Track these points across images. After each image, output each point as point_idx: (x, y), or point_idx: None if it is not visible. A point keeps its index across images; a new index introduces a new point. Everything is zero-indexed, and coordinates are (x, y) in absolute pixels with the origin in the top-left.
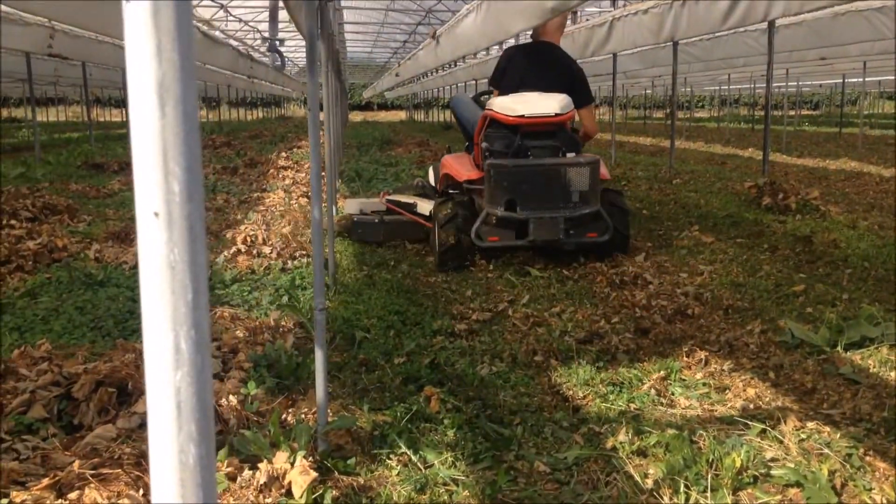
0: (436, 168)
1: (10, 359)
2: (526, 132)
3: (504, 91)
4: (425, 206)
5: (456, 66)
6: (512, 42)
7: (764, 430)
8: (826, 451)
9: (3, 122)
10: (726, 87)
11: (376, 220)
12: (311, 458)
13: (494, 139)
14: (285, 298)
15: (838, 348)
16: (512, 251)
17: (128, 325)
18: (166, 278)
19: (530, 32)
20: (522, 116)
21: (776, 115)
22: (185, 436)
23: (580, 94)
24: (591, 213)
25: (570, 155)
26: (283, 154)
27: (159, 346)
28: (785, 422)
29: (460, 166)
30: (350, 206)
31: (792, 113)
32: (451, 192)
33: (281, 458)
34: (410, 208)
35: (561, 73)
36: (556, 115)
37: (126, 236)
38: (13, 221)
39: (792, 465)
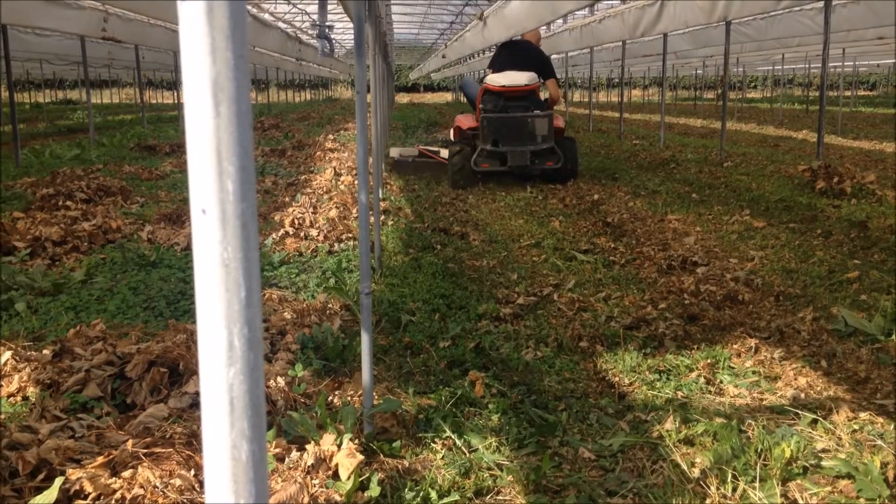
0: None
1: (65, 338)
2: (507, 96)
3: (496, 71)
4: (445, 153)
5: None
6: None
7: (815, 421)
8: (879, 442)
9: (59, 104)
10: (780, 67)
11: (410, 160)
12: (357, 441)
13: (487, 101)
14: (332, 281)
15: (893, 337)
16: (497, 175)
17: (179, 305)
18: (220, 276)
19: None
20: (503, 86)
21: (831, 96)
22: (238, 432)
23: (546, 72)
24: (548, 148)
25: (536, 111)
26: (330, 136)
27: (213, 343)
28: (837, 412)
29: (466, 120)
30: (393, 151)
31: (847, 94)
32: (459, 139)
33: (328, 441)
34: (435, 154)
35: (533, 59)
36: (525, 85)
37: (178, 218)
38: (69, 203)
39: (843, 457)
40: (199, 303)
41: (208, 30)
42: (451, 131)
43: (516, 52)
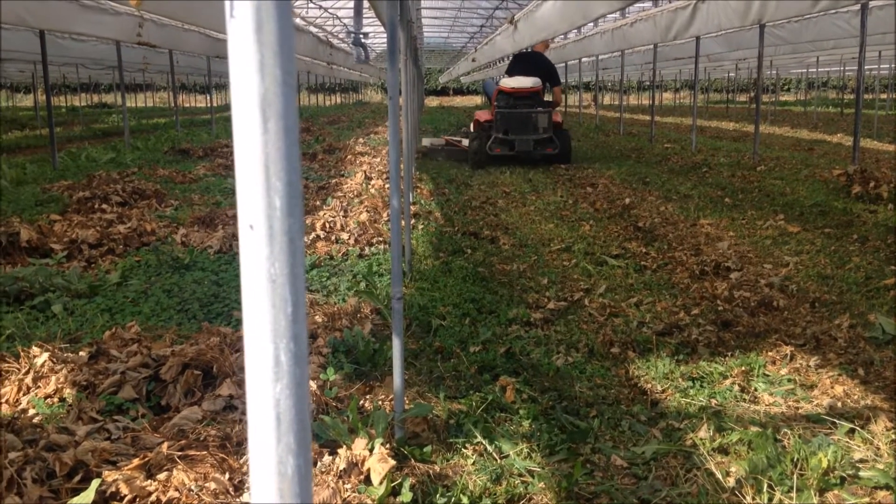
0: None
1: (101, 340)
2: (516, 96)
3: (510, 76)
4: (466, 142)
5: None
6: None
7: (852, 430)
8: None
9: (94, 108)
10: (814, 70)
11: (439, 148)
12: (388, 445)
13: (500, 100)
14: (363, 285)
15: None
16: (507, 159)
17: (212, 308)
18: (267, 292)
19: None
20: (513, 88)
21: (867, 99)
22: (284, 447)
23: (552, 79)
24: (547, 137)
25: (539, 108)
26: (361, 140)
27: (260, 359)
28: (875, 421)
29: (483, 115)
30: (425, 141)
31: (884, 96)
32: (477, 129)
33: (360, 445)
34: (458, 143)
35: (541, 67)
36: (530, 87)
37: (211, 221)
38: (104, 206)
39: (882, 467)
40: (245, 318)
41: (257, 47)
42: (472, 124)
43: (527, 62)
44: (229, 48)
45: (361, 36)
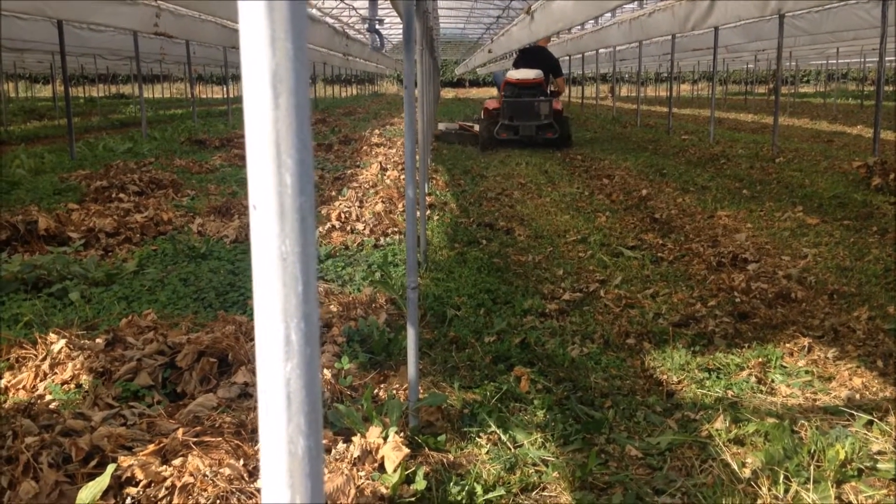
0: None
1: (118, 327)
2: (520, 86)
3: (516, 68)
4: (477, 127)
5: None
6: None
7: (870, 422)
8: None
9: (112, 99)
10: (834, 61)
11: (453, 132)
12: (402, 434)
13: (507, 90)
14: (378, 275)
15: None
16: (512, 143)
17: (228, 297)
18: (277, 270)
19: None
20: (518, 79)
21: (888, 91)
22: (294, 427)
23: (555, 71)
24: (548, 123)
25: (541, 97)
26: (377, 131)
27: (270, 338)
28: (894, 413)
29: (492, 103)
30: (440, 126)
31: None
32: (486, 116)
33: (374, 433)
34: (470, 127)
35: (544, 60)
36: (533, 78)
37: (227, 211)
38: (122, 195)
39: None
40: (256, 297)
41: (268, 20)
42: (482, 111)
43: (531, 56)
44: (240, 21)
45: (376, 23)
